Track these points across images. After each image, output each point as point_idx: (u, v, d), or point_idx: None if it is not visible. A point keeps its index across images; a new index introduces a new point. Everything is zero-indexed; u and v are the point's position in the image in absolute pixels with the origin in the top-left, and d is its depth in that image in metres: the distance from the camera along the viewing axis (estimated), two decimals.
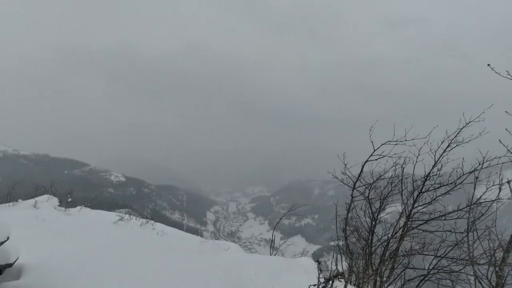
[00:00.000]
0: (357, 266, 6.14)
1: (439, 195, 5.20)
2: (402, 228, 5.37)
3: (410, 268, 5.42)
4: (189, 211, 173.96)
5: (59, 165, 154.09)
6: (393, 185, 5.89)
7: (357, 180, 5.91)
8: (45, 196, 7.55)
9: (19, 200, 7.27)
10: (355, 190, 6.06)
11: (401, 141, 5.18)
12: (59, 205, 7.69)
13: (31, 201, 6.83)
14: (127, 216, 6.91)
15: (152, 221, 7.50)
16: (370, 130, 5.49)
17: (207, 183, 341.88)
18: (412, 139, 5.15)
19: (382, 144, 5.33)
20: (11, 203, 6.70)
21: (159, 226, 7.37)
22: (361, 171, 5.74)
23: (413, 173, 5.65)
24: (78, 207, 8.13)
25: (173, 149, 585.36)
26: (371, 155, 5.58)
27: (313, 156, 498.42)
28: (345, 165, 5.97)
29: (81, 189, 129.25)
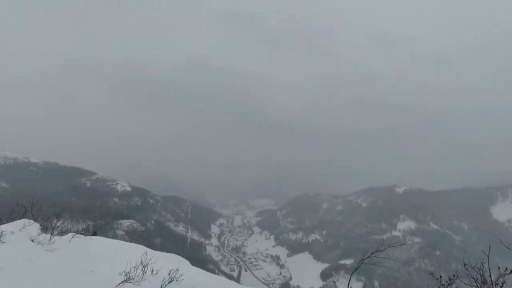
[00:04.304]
0: None
1: None
2: None
3: None
4: (194, 224, 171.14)
5: (68, 174, 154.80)
6: None
7: None
8: (21, 222, 5.30)
9: None
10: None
11: None
12: (42, 232, 5.46)
13: None
14: (139, 268, 4.16)
15: (176, 272, 4.42)
16: None
17: (213, 195, 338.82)
18: None
19: None
20: None
21: (187, 279, 4.58)
22: None
23: None
24: (69, 235, 5.92)
25: (180, 160, 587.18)
26: None
27: (320, 169, 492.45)
28: None
29: (88, 197, 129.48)
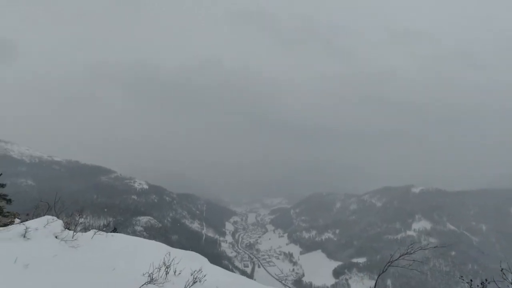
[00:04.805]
0: None
1: None
2: None
3: None
4: (208, 221, 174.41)
5: (88, 172, 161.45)
6: None
7: None
8: (44, 219, 5.35)
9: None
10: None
11: None
12: (66, 228, 5.61)
13: (19, 228, 4.54)
14: (162, 269, 4.09)
15: (199, 273, 4.39)
16: None
17: (227, 193, 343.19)
18: None
19: None
20: None
21: (209, 278, 4.49)
22: None
23: None
24: (91, 232, 5.96)
25: (194, 159, 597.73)
26: None
27: (334, 169, 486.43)
28: None
29: (108, 195, 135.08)
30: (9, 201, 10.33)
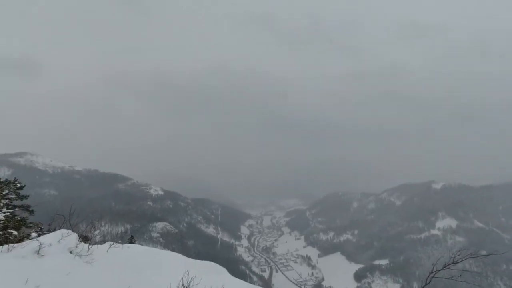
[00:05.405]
0: None
1: None
2: None
3: None
4: (224, 225, 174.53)
5: (107, 180, 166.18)
6: None
7: None
8: (59, 233, 5.18)
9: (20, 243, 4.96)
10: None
11: None
12: (81, 242, 5.49)
13: (33, 244, 4.41)
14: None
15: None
16: None
17: (241, 196, 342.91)
18: None
19: None
20: (5, 247, 4.52)
21: None
22: None
23: None
24: (107, 245, 5.83)
25: (208, 162, 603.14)
26: None
27: (347, 167, 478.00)
28: None
29: (125, 202, 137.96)
30: (31, 212, 10.41)
